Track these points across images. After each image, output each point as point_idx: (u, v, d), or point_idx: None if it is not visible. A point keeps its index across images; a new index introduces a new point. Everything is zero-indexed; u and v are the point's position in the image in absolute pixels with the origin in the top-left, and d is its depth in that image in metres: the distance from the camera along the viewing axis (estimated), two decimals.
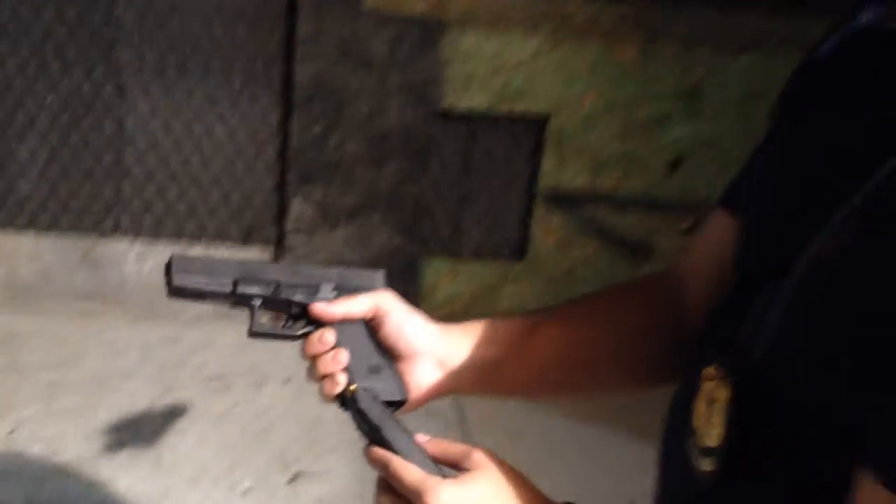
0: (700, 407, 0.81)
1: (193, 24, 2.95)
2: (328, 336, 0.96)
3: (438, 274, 3.19)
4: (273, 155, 3.08)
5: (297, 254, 3.12)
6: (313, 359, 0.96)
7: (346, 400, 0.94)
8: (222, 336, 3.05)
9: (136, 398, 2.69)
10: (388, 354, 0.97)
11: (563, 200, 3.12)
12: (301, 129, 3.01)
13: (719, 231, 0.94)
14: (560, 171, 3.07)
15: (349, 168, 3.04)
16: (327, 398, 0.95)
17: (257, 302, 1.01)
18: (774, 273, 0.76)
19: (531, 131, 3.10)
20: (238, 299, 1.01)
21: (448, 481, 0.82)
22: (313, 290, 1.01)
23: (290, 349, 2.95)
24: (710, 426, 0.79)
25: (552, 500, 0.85)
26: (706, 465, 0.79)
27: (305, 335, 0.98)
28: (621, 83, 2.96)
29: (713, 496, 0.79)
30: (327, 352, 0.95)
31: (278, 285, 1.01)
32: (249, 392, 2.79)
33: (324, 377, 0.95)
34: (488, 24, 2.93)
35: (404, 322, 0.97)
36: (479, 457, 0.84)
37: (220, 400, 2.74)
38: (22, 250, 3.13)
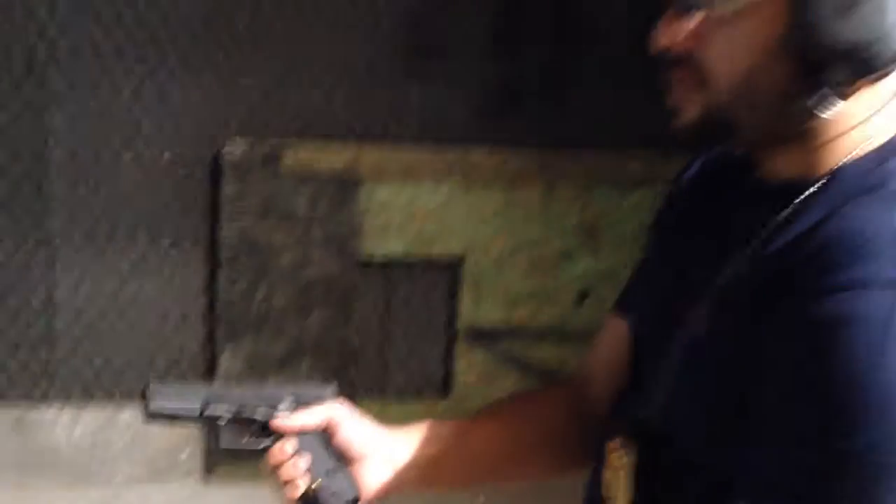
0: (608, 476, 0.97)
1: (122, 191, 3.15)
2: (288, 447, 1.10)
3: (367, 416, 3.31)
4: (201, 310, 3.23)
5: None
6: (275, 468, 1.10)
7: (308, 501, 1.08)
8: (157, 496, 3.17)
9: None
10: (342, 458, 1.12)
11: (482, 337, 3.31)
12: (228, 284, 3.18)
13: (613, 333, 1.13)
14: (477, 309, 3.28)
15: (276, 319, 3.20)
16: (290, 502, 1.09)
17: (223, 422, 1.15)
18: (660, 355, 0.95)
19: (447, 273, 3.33)
20: (206, 421, 1.16)
21: None
22: (273, 405, 1.16)
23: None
24: (618, 492, 0.95)
25: None
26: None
27: (267, 448, 1.12)
28: (527, 223, 3.22)
29: None
30: (288, 460, 1.09)
31: (242, 404, 1.15)
32: None
33: (286, 483, 1.09)
34: (400, 177, 3.20)
35: (354, 429, 1.11)
36: None
37: None
38: None
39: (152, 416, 1.15)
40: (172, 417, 1.16)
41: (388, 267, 3.30)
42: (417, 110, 3.28)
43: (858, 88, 0.85)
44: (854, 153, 0.87)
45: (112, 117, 3.11)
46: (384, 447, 1.12)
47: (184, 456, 3.30)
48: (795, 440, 0.81)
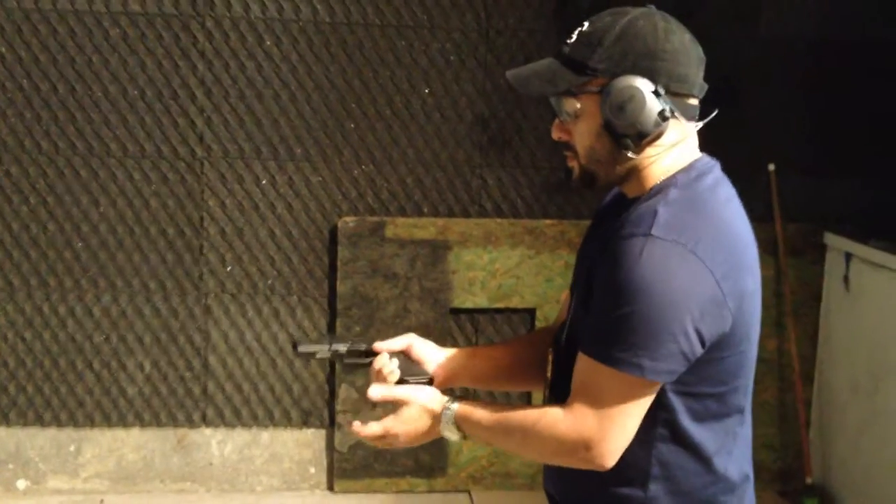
0: (547, 367, 1.70)
1: (260, 257, 3.73)
2: (385, 357, 1.77)
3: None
4: None
5: (345, 432, 3.77)
6: (379, 371, 1.77)
7: (401, 382, 1.73)
8: (291, 502, 3.72)
9: None
10: (417, 364, 1.79)
11: None
12: (344, 330, 3.70)
13: (566, 301, 1.81)
14: None
15: None
16: (389, 386, 1.76)
17: (344, 352, 1.80)
18: (572, 302, 1.70)
19: (524, 320, 3.83)
20: (333, 354, 1.81)
21: (391, 417, 1.67)
22: (371, 341, 1.81)
23: None
24: (549, 372, 1.68)
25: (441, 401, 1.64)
26: (545, 389, 1.68)
27: (370, 363, 1.78)
28: None
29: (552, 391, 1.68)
30: (386, 365, 1.75)
31: (352, 342, 1.81)
32: None
33: (388, 375, 1.74)
34: (482, 242, 3.73)
35: (422, 347, 1.81)
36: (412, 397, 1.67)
37: None
38: (128, 442, 3.77)
39: (300, 354, 1.81)
40: (311, 354, 1.81)
41: (474, 315, 3.82)
42: (493, 190, 3.82)
43: (644, 147, 1.54)
44: (657, 181, 1.56)
45: (252, 201, 3.73)
46: (440, 360, 1.80)
47: (313, 470, 3.84)
48: (599, 312, 1.49)
